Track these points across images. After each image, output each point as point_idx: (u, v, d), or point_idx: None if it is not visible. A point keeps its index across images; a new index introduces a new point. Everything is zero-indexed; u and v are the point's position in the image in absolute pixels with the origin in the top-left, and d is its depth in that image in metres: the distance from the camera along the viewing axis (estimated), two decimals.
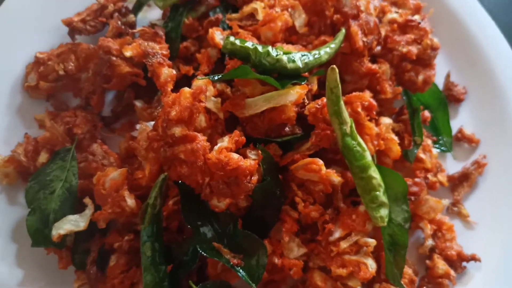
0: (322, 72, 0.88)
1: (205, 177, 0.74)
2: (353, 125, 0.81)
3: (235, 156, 0.72)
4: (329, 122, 0.82)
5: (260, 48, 0.80)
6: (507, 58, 1.11)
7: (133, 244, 0.81)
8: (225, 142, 0.76)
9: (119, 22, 0.99)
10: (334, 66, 0.77)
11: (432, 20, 1.14)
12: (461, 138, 1.07)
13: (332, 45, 0.88)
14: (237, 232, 0.79)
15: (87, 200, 0.81)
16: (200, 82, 0.82)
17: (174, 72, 0.85)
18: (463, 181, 1.02)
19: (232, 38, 0.80)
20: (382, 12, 1.04)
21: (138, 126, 0.88)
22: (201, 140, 0.73)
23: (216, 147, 0.75)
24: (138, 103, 0.95)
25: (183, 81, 0.95)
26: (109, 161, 0.86)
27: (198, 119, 0.77)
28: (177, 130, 0.72)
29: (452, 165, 1.05)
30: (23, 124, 0.96)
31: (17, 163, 0.89)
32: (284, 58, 0.81)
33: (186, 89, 0.75)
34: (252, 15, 0.97)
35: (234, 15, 0.97)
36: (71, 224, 0.80)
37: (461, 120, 1.10)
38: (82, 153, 0.89)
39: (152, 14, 1.12)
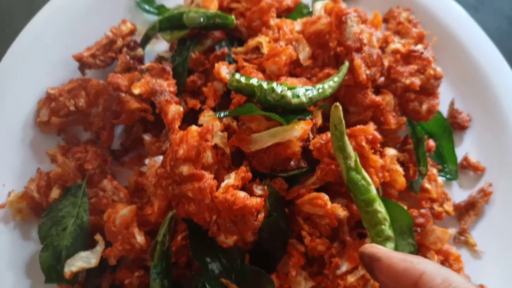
0: (327, 106, 0.89)
1: (212, 214, 0.75)
2: (358, 159, 0.82)
3: (242, 194, 0.74)
4: (333, 156, 0.83)
5: (265, 84, 0.82)
6: (511, 85, 1.12)
7: (143, 280, 0.83)
8: (231, 179, 0.78)
9: (128, 57, 1.02)
10: (338, 103, 0.79)
11: (435, 47, 1.15)
12: (467, 166, 1.07)
13: (336, 79, 0.90)
14: (245, 267, 0.80)
15: (98, 237, 0.83)
16: (206, 119, 0.84)
17: (181, 109, 0.87)
18: (469, 209, 1.02)
19: (237, 76, 0.82)
20: (385, 42, 1.05)
21: (147, 161, 0.90)
22: (208, 178, 0.75)
23: (222, 184, 0.77)
24: (147, 137, 0.97)
25: (191, 114, 0.97)
26: (119, 196, 0.88)
27: (205, 156, 0.79)
28: (185, 169, 0.74)
29: (458, 193, 1.05)
30: (36, 159, 0.98)
31: (30, 199, 0.91)
32: (289, 94, 0.83)
33: (194, 127, 0.76)
34: (257, 48, 0.99)
35: (239, 49, 0.99)
36: (83, 261, 0.82)
37: (466, 148, 1.10)
38: (92, 188, 0.91)
39: (160, 46, 1.14)
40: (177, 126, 0.84)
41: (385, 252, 0.58)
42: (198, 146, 0.75)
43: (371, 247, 0.60)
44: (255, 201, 0.74)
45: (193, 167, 0.75)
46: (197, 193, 0.74)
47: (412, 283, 0.53)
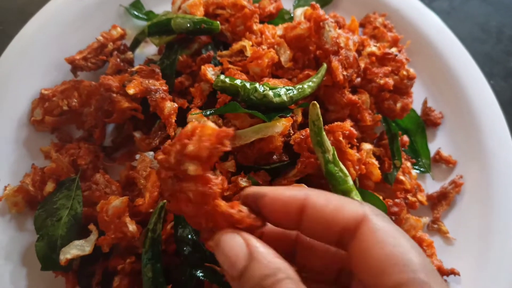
0: (306, 104, 0.95)
1: (209, 222, 0.73)
2: (335, 152, 0.88)
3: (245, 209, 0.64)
4: (313, 150, 0.89)
5: (248, 84, 0.88)
6: (480, 85, 1.20)
7: (135, 266, 0.87)
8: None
9: (118, 60, 1.08)
10: (315, 102, 0.85)
11: (409, 50, 1.23)
12: (439, 160, 1.14)
13: (314, 79, 0.96)
14: None
15: (91, 227, 0.88)
16: (194, 116, 0.90)
17: (176, 105, 0.92)
18: (441, 200, 1.09)
19: (222, 77, 0.88)
20: (362, 45, 1.13)
21: (137, 156, 0.95)
22: (215, 184, 0.65)
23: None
24: (137, 134, 1.02)
25: (179, 113, 1.02)
26: (111, 189, 0.93)
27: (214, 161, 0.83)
28: (191, 168, 0.63)
29: (431, 185, 1.12)
30: (30, 156, 1.03)
31: (25, 193, 0.96)
32: (270, 93, 0.89)
33: (211, 124, 0.61)
34: (241, 51, 1.05)
35: (224, 52, 1.04)
36: (77, 249, 0.86)
37: (439, 143, 1.18)
38: (85, 182, 0.96)
39: (149, 49, 1.21)
40: (173, 120, 0.90)
41: (269, 188, 0.57)
42: (212, 149, 0.62)
43: (254, 188, 0.59)
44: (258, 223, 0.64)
45: (201, 169, 0.64)
46: (199, 197, 0.65)
47: (298, 207, 0.54)
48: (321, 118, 0.86)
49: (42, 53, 1.11)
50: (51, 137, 1.06)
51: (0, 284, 0.89)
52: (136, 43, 1.16)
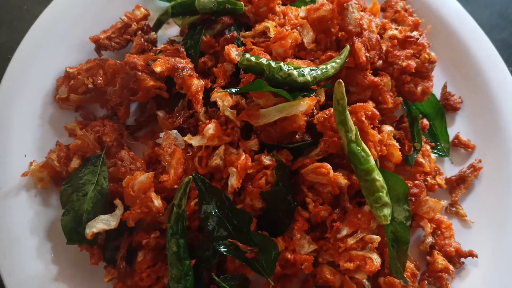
0: (329, 85, 0.96)
1: None
2: (358, 132, 0.89)
3: None
4: (336, 130, 0.90)
5: (273, 64, 0.89)
6: (499, 70, 1.20)
7: (159, 241, 0.89)
8: None
9: (142, 39, 1.09)
10: (341, 80, 0.85)
11: (429, 35, 1.23)
12: (458, 144, 1.15)
13: (338, 60, 0.96)
14: (251, 233, 0.87)
15: (117, 202, 0.89)
16: (218, 95, 0.91)
17: (203, 82, 0.93)
18: (460, 183, 1.10)
19: (248, 55, 0.89)
20: (383, 29, 1.12)
21: (161, 134, 0.96)
22: None
23: None
24: (161, 113, 1.03)
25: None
26: (136, 166, 0.94)
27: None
28: None
29: (450, 169, 1.13)
30: (54, 133, 1.05)
31: (51, 168, 0.97)
32: (295, 72, 0.90)
33: None
34: (264, 33, 1.05)
35: (247, 33, 1.05)
36: (103, 223, 0.88)
37: (458, 127, 1.18)
38: (110, 159, 0.97)
39: (171, 31, 1.21)
40: (200, 98, 0.91)
41: None
42: None
43: None
44: None
45: None
46: None
47: None
48: (345, 97, 0.87)
49: (66, 32, 1.13)
50: (75, 115, 1.07)
51: (26, 257, 0.91)
52: (159, 24, 1.16)
